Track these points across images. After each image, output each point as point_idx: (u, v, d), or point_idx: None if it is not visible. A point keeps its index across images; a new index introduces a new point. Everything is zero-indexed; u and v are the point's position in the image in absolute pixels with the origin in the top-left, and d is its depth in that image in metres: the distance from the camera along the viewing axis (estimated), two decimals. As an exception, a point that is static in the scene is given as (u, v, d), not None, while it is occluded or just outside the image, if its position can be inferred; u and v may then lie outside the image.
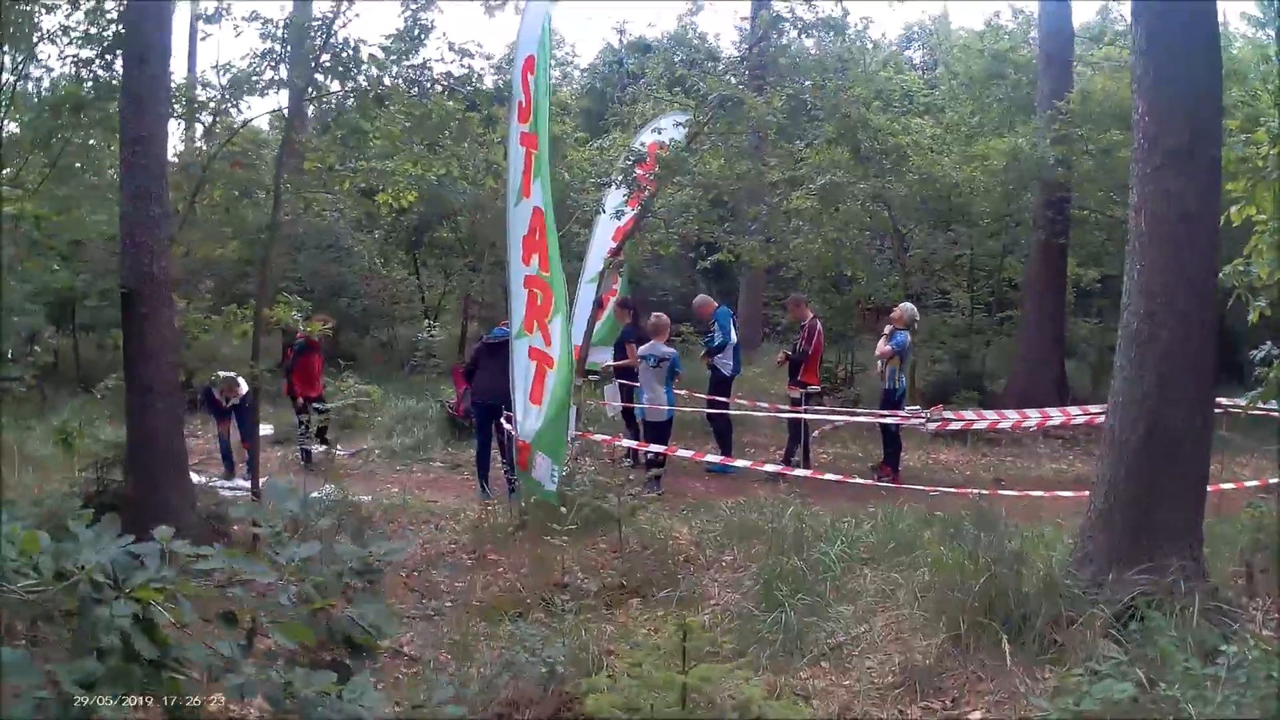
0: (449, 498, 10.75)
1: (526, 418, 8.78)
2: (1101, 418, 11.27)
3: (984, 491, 8.43)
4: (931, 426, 11.25)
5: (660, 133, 13.84)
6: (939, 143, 17.72)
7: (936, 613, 6.08)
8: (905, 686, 5.51)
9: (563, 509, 8.16)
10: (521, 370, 8.81)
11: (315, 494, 9.58)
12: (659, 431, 11.41)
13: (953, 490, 9.42)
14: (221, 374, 11.50)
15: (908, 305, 12.39)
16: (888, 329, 12.12)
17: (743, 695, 4.23)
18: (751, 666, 5.41)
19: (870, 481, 10.35)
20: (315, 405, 13.72)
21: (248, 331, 8.41)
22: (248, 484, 10.83)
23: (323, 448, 13.40)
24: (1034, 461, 13.40)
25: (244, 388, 11.74)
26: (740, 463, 10.91)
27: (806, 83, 13.40)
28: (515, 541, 8.40)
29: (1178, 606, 5.45)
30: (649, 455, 10.90)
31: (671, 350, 11.65)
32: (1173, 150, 5.86)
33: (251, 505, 6.77)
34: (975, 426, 11.89)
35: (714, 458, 11.44)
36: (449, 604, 7.15)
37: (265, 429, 14.66)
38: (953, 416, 11.54)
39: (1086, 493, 8.05)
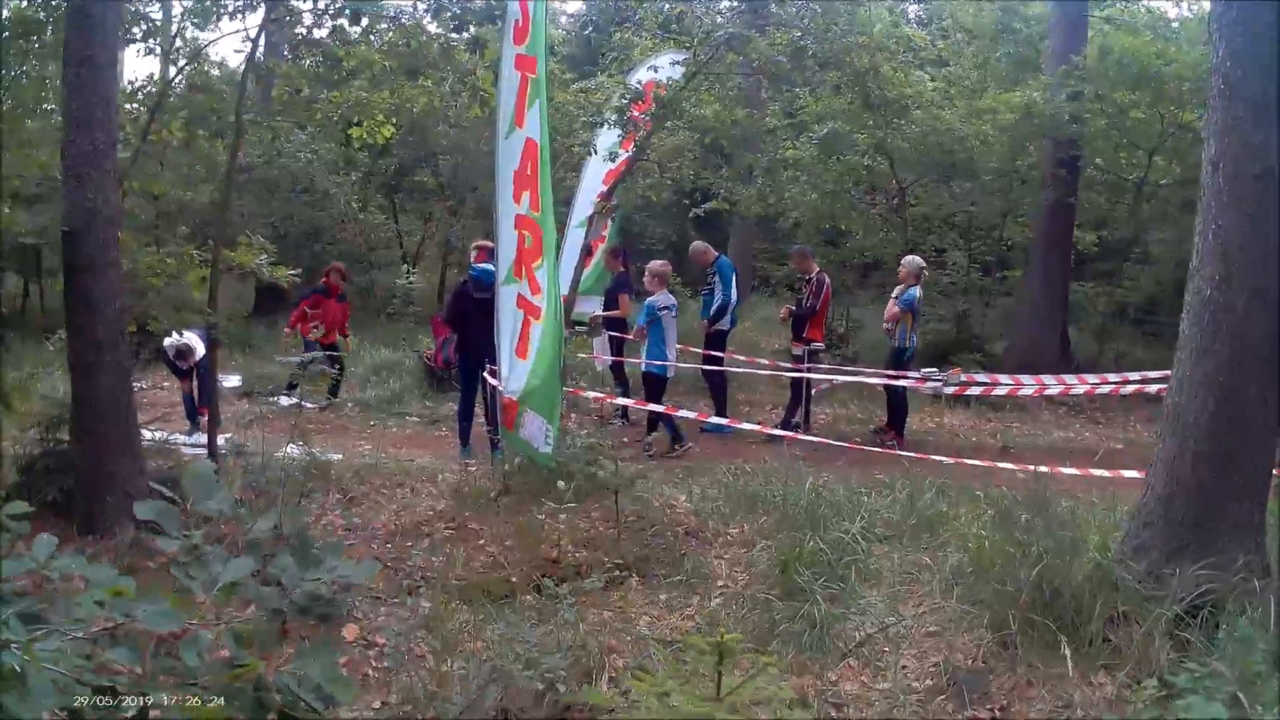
0: (426, 456, 10.04)
1: (512, 373, 8.06)
2: (1126, 389, 10.98)
3: (1043, 468, 7.71)
4: (949, 390, 10.56)
5: (657, 71, 13.01)
6: (942, 96, 17.00)
7: (977, 605, 5.44)
8: (949, 692, 4.86)
9: (559, 479, 7.52)
10: (508, 320, 8.06)
11: (278, 454, 8.98)
12: (656, 387, 10.74)
13: (971, 462, 8.75)
14: (173, 338, 10.68)
15: (913, 258, 11.68)
16: (898, 289, 11.47)
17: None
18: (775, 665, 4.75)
19: (878, 449, 9.62)
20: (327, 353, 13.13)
21: (206, 276, 7.62)
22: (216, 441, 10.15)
23: (304, 402, 12.75)
24: (1039, 428, 12.75)
25: (199, 350, 10.97)
26: (745, 425, 10.18)
27: (807, 21, 12.60)
28: (498, 509, 7.71)
29: (1249, 607, 4.82)
30: (652, 415, 10.27)
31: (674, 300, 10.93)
32: (1255, 99, 5.13)
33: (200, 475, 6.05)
34: (994, 393, 11.16)
35: (713, 419, 10.72)
36: (424, 581, 6.44)
37: (232, 380, 13.98)
38: (969, 380, 10.84)
39: (1103, 470, 7.53)
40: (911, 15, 31.73)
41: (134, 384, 13.64)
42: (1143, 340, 17.54)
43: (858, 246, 18.08)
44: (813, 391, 12.34)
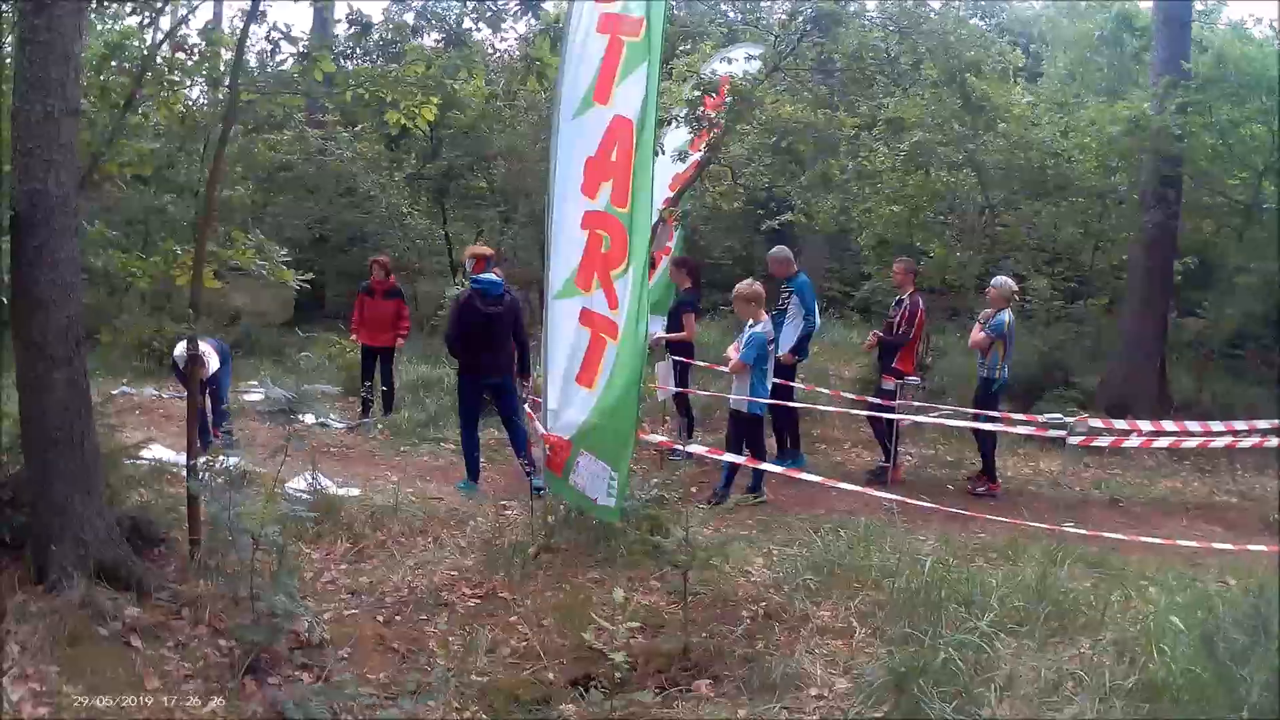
0: (457, 494, 8.72)
1: (566, 405, 6.67)
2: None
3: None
4: (1074, 440, 9.05)
5: (731, 63, 11.64)
6: (1031, 110, 15.52)
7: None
8: None
9: (612, 537, 6.23)
10: (564, 340, 6.67)
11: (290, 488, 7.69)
12: (752, 430, 9.25)
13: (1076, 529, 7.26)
14: (181, 348, 9.52)
15: (1005, 280, 10.23)
16: (984, 313, 10.02)
17: None
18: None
19: (979, 515, 8.09)
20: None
21: (215, 273, 6.31)
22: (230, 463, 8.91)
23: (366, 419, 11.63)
24: (1142, 476, 11.26)
25: (212, 363, 9.78)
26: (815, 478, 8.44)
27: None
28: (536, 573, 6.36)
29: None
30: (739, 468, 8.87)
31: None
32: None
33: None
34: (1125, 443, 9.58)
35: (774, 467, 9.19)
36: (439, 675, 5.07)
37: (254, 393, 12.78)
38: (1102, 426, 9.30)
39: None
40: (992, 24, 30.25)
41: (147, 392, 12.63)
42: (1229, 376, 15.86)
43: (937, 266, 16.56)
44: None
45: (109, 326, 6.13)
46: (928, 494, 9.21)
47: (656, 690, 4.90)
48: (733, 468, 8.83)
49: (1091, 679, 4.77)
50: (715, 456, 8.52)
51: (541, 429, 6.79)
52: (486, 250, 9.39)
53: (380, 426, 11.58)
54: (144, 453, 9.17)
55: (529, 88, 14.13)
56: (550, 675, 5.01)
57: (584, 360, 6.49)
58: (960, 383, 13.82)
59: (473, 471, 9.04)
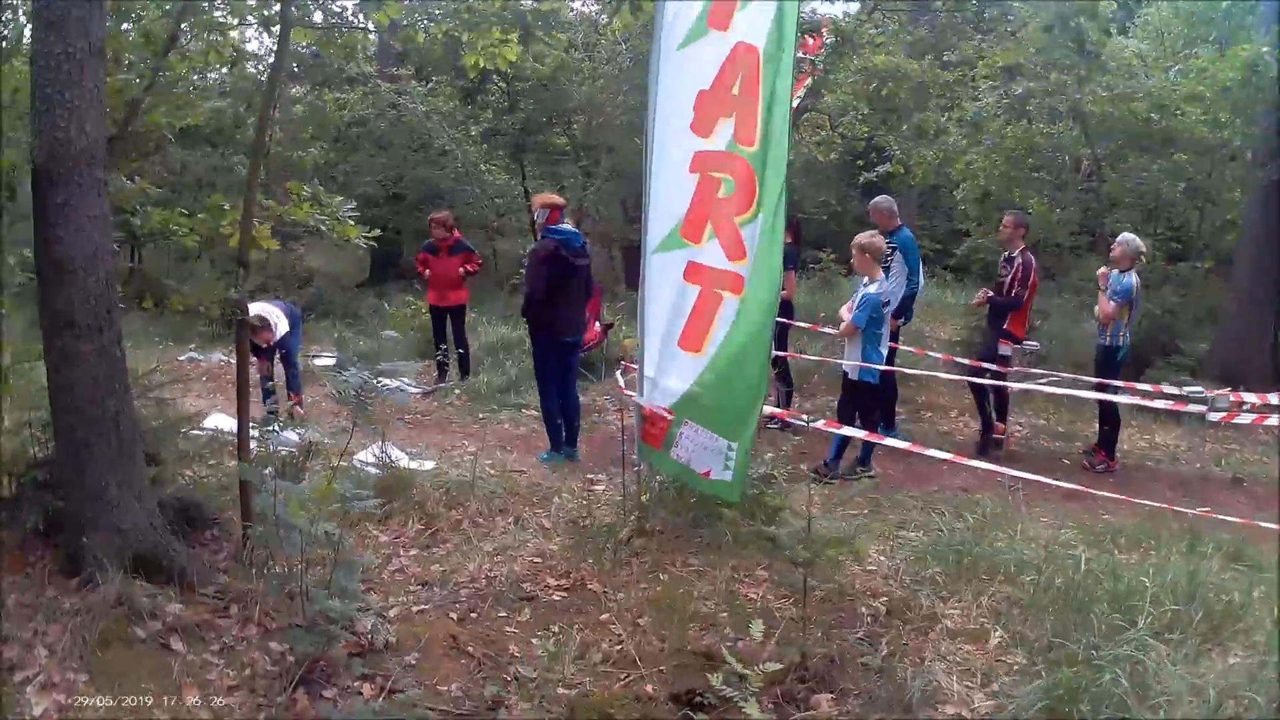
0: (540, 467, 8.08)
1: (666, 372, 5.92)
2: None
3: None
4: (1215, 417, 8.13)
5: (833, 2, 10.73)
6: (1137, 59, 14.35)
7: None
8: None
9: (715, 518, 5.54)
10: (664, 298, 5.89)
11: (358, 461, 7.11)
12: (864, 398, 8.43)
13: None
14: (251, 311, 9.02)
15: (1130, 237, 9.22)
16: (1104, 271, 9.11)
17: None
18: None
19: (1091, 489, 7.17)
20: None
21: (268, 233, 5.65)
22: (292, 435, 8.39)
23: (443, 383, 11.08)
24: (1264, 453, 10.17)
25: (280, 326, 9.25)
26: (935, 453, 7.16)
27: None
28: (628, 560, 5.68)
29: None
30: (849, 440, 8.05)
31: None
32: None
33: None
34: (1268, 420, 8.56)
35: (896, 441, 8.34)
36: (518, 684, 4.40)
37: (325, 358, 12.31)
38: (1257, 400, 8.32)
39: None
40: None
41: (215, 357, 12.18)
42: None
43: (1038, 223, 15.47)
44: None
45: (176, 292, 5.41)
46: (1041, 468, 8.41)
47: (770, 705, 4.20)
48: (843, 439, 8.04)
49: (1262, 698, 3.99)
50: (833, 430, 7.64)
51: (638, 399, 6.05)
52: (559, 199, 8.72)
53: (457, 391, 10.99)
54: (206, 422, 8.72)
55: (615, 28, 13.34)
56: (649, 687, 4.32)
57: (689, 321, 5.70)
58: (1066, 347, 12.92)
59: (556, 441, 8.41)
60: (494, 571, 5.46)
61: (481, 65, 6.96)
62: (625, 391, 6.60)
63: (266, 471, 4.29)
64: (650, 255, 5.90)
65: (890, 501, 7.43)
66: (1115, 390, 8.94)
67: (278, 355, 9.67)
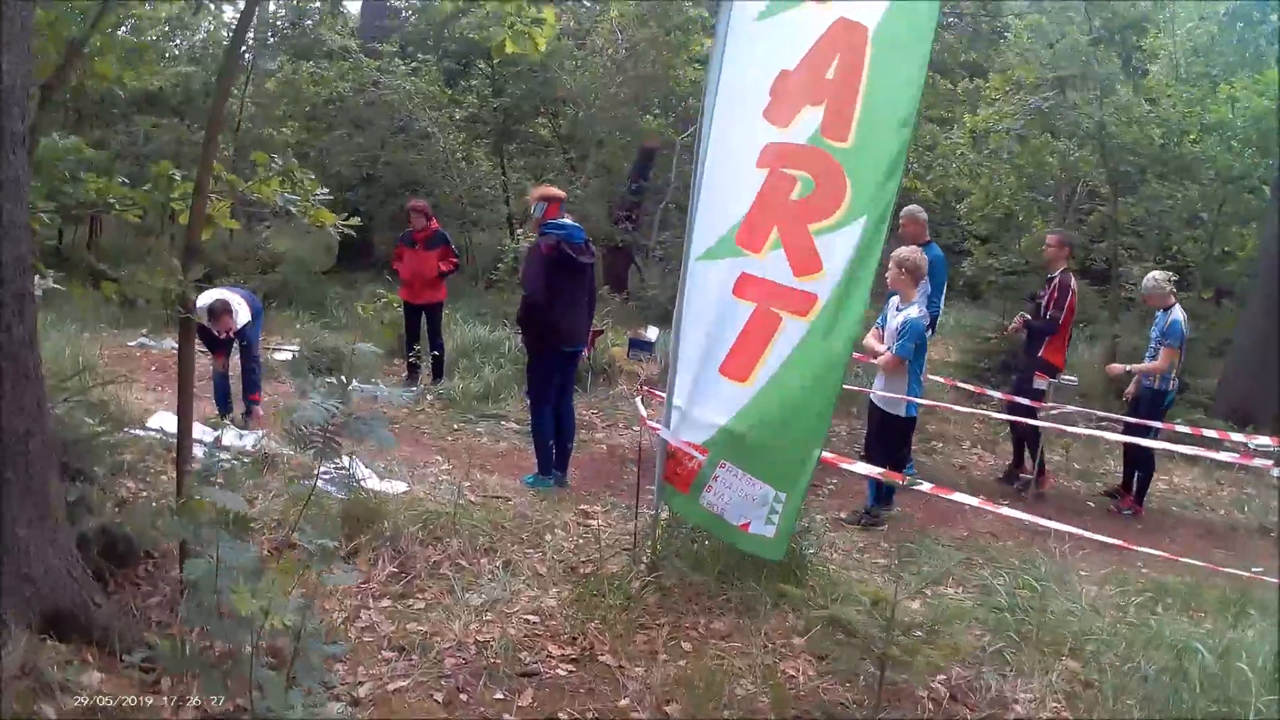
0: (526, 493, 7.15)
1: (700, 401, 4.97)
2: None
3: None
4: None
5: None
6: (1160, 85, 13.72)
7: None
8: None
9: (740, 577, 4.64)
10: (706, 314, 4.95)
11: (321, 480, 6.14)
12: (902, 432, 7.50)
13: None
14: (206, 299, 8.06)
15: (1153, 277, 8.47)
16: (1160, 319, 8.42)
17: None
18: None
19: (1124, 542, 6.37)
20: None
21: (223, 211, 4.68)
22: (248, 441, 7.43)
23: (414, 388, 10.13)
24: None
25: (241, 313, 8.29)
26: (967, 499, 6.08)
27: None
28: (643, 624, 4.77)
29: None
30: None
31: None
32: None
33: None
34: None
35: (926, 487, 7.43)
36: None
37: (286, 351, 11.31)
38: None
39: None
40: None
41: (167, 345, 11.15)
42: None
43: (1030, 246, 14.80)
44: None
45: (110, 278, 4.42)
46: (1066, 512, 7.93)
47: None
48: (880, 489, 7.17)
49: None
50: (866, 472, 6.65)
51: (664, 433, 5.12)
52: (559, 192, 7.70)
53: (429, 397, 10.02)
54: (151, 421, 7.72)
55: (613, 14, 12.46)
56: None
57: (736, 344, 4.76)
58: (1088, 379, 12.15)
59: (544, 464, 7.46)
60: (484, 634, 4.51)
61: (510, 49, 5.99)
62: (650, 424, 5.64)
63: (206, 523, 3.25)
64: (692, 262, 4.93)
65: (920, 547, 6.60)
66: (1156, 434, 8.21)
67: (236, 347, 8.68)
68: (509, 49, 5.38)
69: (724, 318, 4.80)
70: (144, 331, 12.62)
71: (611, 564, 5.41)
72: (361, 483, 6.56)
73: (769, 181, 4.71)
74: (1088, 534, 5.66)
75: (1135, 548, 5.77)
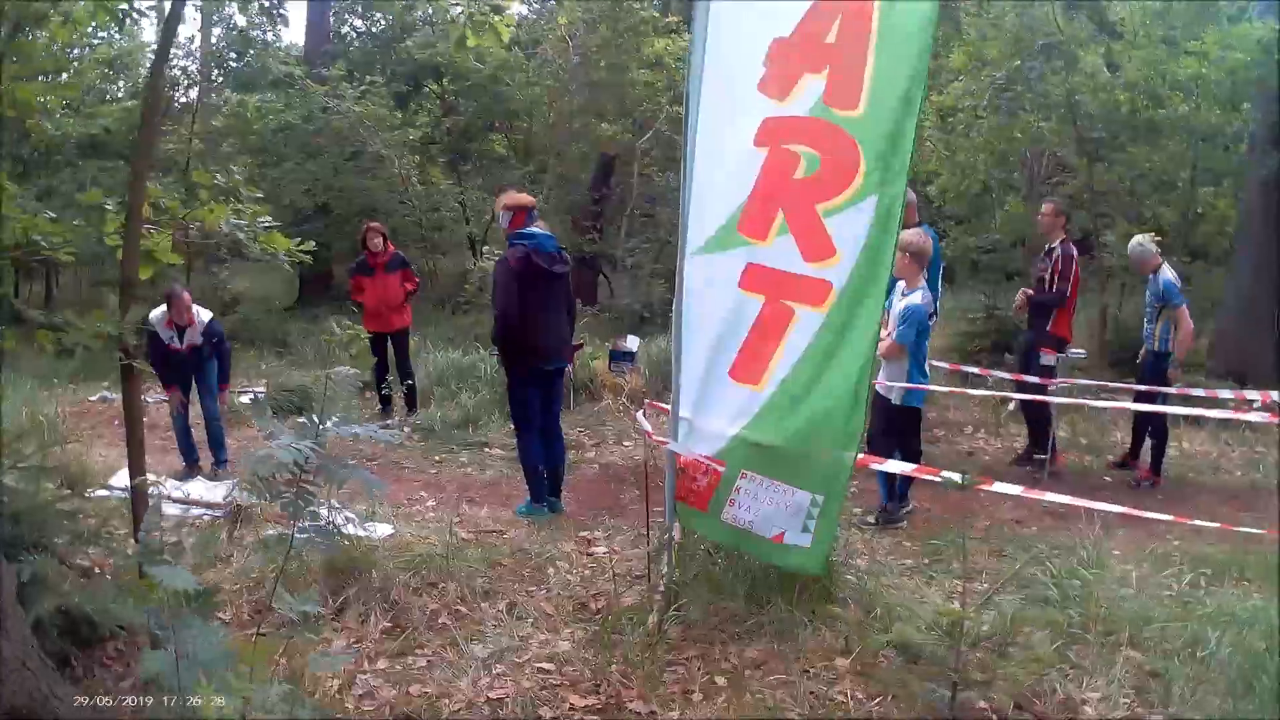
0: (520, 523, 6.68)
1: (709, 410, 4.51)
2: None
3: None
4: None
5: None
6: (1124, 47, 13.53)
7: None
8: None
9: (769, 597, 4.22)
10: (710, 314, 4.47)
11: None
12: (910, 424, 7.10)
13: None
14: (157, 314, 7.64)
15: (1137, 242, 8.21)
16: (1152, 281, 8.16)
17: None
18: None
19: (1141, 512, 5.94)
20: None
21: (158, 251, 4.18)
22: (217, 494, 6.97)
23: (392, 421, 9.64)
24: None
25: (202, 314, 7.81)
26: (1007, 489, 5.64)
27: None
28: (668, 654, 4.32)
29: None
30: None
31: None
32: None
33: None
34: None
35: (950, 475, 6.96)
36: None
37: (248, 395, 10.79)
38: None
39: None
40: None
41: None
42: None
43: (1019, 224, 14.49)
44: (1009, 406, 9.03)
45: (41, 326, 3.92)
46: (1085, 488, 7.60)
47: None
48: (889, 474, 6.70)
49: None
50: (881, 467, 6.16)
51: (673, 446, 4.66)
52: (527, 199, 7.15)
53: (406, 429, 9.51)
54: (115, 479, 7.19)
55: (561, 20, 12.06)
56: None
57: (746, 343, 4.31)
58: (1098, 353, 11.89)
59: (537, 491, 6.95)
60: (496, 690, 4.04)
61: (472, 42, 5.56)
62: (656, 438, 5.15)
63: (167, 605, 2.76)
64: (690, 258, 4.46)
65: (944, 543, 6.17)
66: (1165, 399, 7.89)
67: (194, 384, 8.13)
68: (470, 42, 4.92)
69: (732, 316, 4.36)
70: (105, 385, 12.07)
71: (626, 596, 4.97)
72: (342, 529, 6.09)
73: (770, 160, 4.27)
74: (1135, 512, 5.22)
75: (1187, 521, 5.35)
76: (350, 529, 6.08)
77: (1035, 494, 5.17)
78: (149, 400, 11.20)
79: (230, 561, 5.48)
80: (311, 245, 4.39)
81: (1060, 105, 12.64)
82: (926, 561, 5.90)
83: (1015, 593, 5.08)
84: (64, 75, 16.51)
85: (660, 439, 4.85)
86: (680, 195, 4.50)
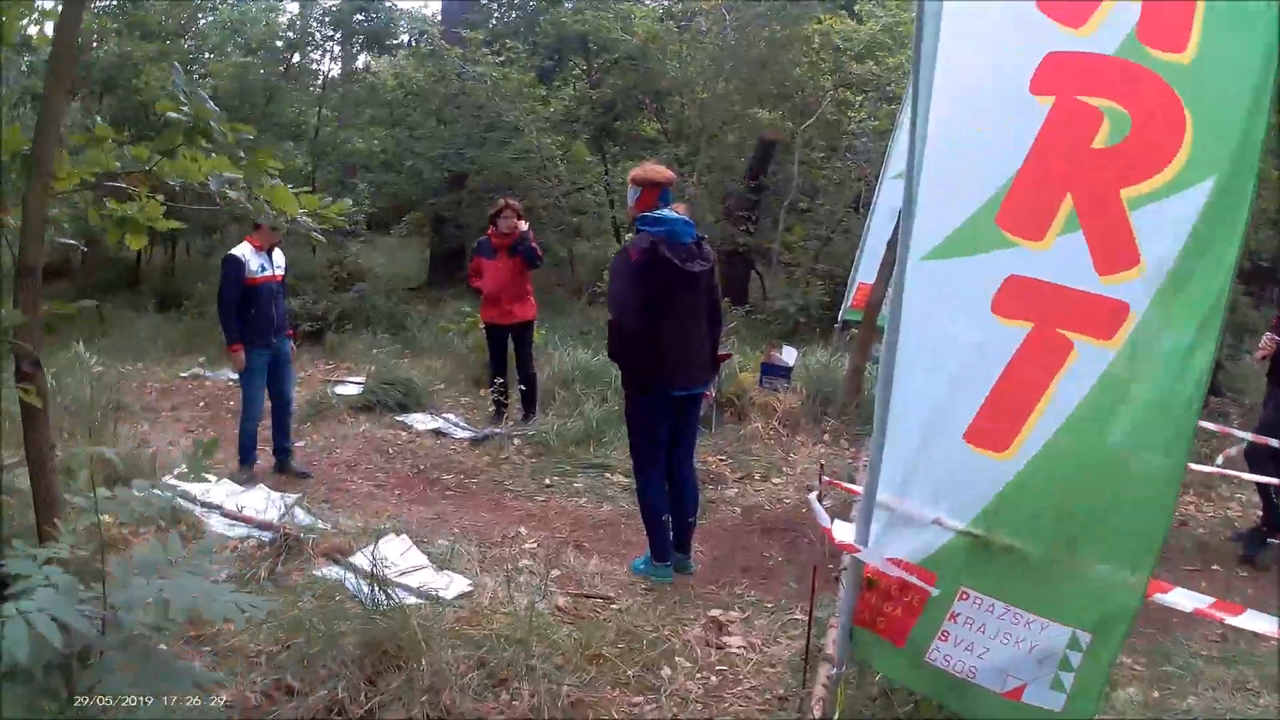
0: (635, 587, 5.25)
1: (927, 488, 2.93)
2: None
3: None
4: None
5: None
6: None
7: None
8: None
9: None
10: (940, 351, 2.90)
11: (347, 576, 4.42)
12: None
13: None
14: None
15: None
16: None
17: None
18: None
19: None
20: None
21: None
22: (273, 511, 5.81)
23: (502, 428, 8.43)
24: None
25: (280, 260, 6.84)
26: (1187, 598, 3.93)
27: None
28: None
29: None
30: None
31: None
32: None
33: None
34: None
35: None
36: None
37: (350, 385, 9.70)
38: None
39: None
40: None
41: (224, 375, 9.70)
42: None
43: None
44: (1219, 459, 7.12)
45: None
46: None
47: None
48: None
49: None
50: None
51: (864, 554, 3.05)
52: (663, 172, 5.40)
53: (516, 441, 8.13)
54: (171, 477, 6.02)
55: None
56: None
57: (995, 392, 2.77)
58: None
59: (659, 546, 5.41)
60: None
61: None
62: (838, 541, 3.34)
63: None
64: (915, 264, 2.86)
65: (1178, 666, 4.57)
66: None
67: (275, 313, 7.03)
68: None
69: (975, 350, 2.79)
70: (200, 360, 11.13)
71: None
72: (403, 578, 4.77)
73: (1054, 117, 2.69)
74: None
75: None
76: (416, 578, 4.82)
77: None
78: (206, 376, 10.37)
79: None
80: (347, 204, 3.06)
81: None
82: (1154, 694, 4.26)
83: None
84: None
85: (844, 541, 3.19)
86: (907, 173, 2.84)
